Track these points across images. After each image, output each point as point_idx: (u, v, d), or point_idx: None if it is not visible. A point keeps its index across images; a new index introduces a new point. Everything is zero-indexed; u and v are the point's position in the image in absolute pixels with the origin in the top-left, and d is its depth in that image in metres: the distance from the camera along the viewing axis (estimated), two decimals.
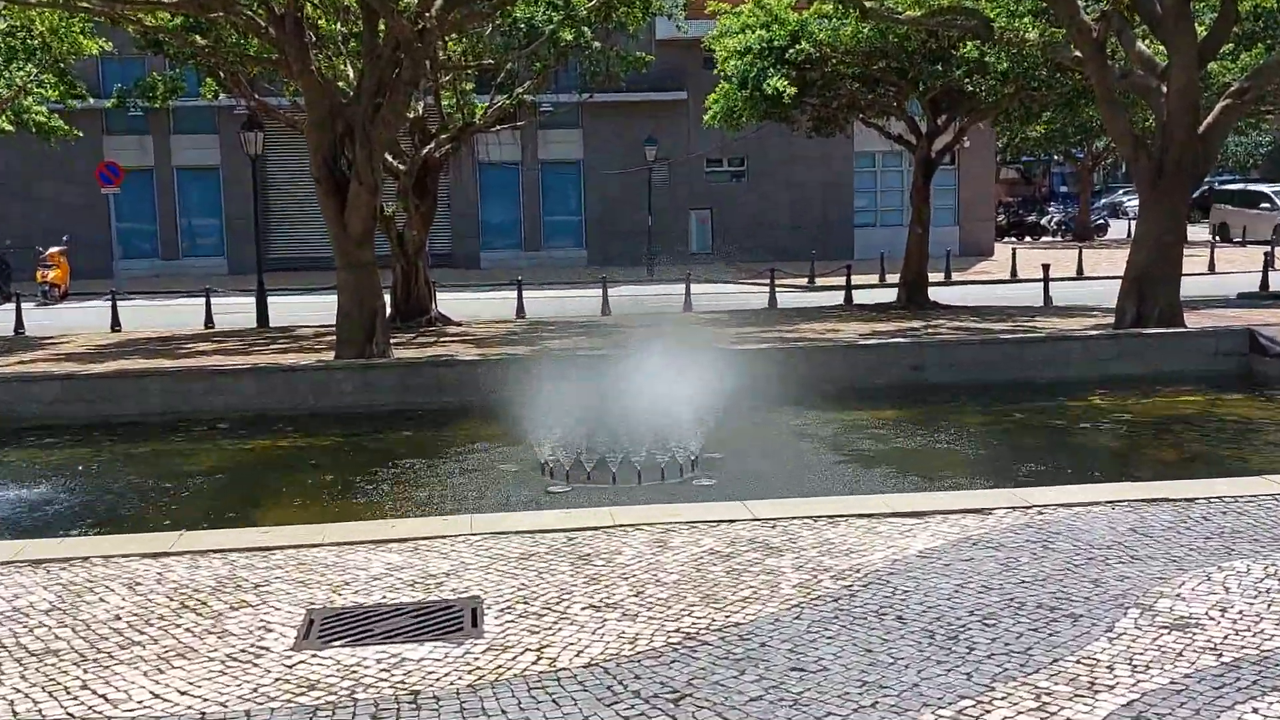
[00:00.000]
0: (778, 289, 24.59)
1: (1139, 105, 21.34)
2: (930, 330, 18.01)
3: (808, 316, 20.80)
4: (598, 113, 34.44)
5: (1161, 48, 16.78)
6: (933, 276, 24.34)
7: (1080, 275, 28.61)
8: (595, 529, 7.13)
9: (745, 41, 20.67)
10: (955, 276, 28.90)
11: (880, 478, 10.39)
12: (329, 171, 15.18)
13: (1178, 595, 5.69)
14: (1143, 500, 7.36)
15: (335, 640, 5.45)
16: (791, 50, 20.09)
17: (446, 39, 19.00)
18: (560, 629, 5.49)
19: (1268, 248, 29.44)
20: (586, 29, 19.44)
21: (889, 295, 23.49)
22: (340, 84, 18.03)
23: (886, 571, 6.19)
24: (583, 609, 5.75)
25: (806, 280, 28.48)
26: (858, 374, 14.73)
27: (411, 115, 20.36)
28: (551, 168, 35.98)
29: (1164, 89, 15.85)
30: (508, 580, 6.22)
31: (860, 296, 24.07)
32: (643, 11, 19.33)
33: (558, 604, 5.83)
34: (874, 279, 27.73)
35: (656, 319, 21.10)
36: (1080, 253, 31.03)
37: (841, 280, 24.72)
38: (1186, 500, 7.35)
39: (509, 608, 5.80)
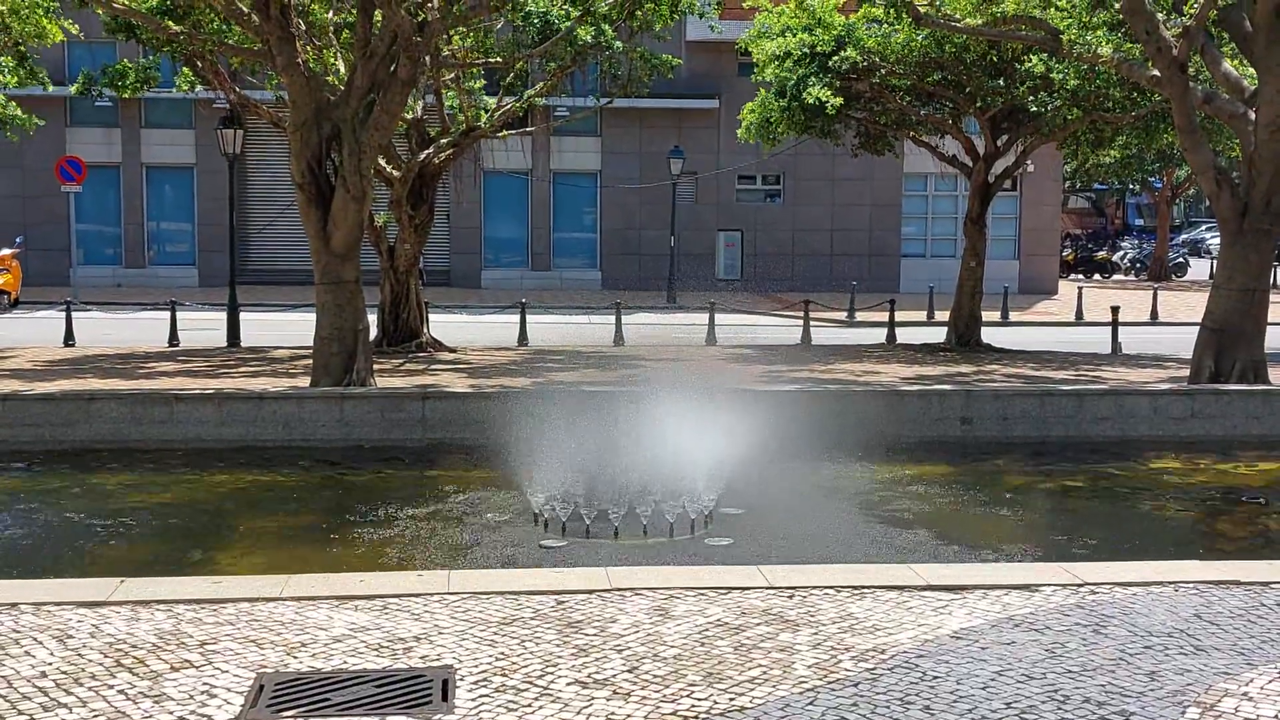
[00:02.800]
0: (813, 323, 24.59)
1: (1225, 133, 21.29)
2: (981, 377, 17.96)
3: (845, 355, 20.79)
4: (618, 120, 34.61)
5: (1251, 70, 16.76)
6: (988, 315, 24.32)
7: (1154, 320, 28.54)
8: (589, 592, 7.10)
9: (785, 45, 20.77)
10: (1013, 316, 28.87)
11: (916, 544, 10.32)
12: (313, 177, 15.26)
13: (1244, 694, 5.62)
14: (1210, 582, 7.29)
15: (286, 710, 5.42)
16: (836, 57, 20.17)
17: (450, 33, 19.14)
18: (541, 707, 5.45)
19: None
20: (607, 27, 19.56)
21: (937, 335, 23.47)
22: (330, 79, 18.17)
23: (915, 654, 6.14)
24: (568, 684, 5.72)
25: (845, 314, 28.49)
26: (898, 424, 14.68)
27: (409, 116, 20.53)
28: (565, 179, 36.12)
29: (1252, 116, 15.81)
30: (486, 648, 6.19)
31: (904, 335, 24.06)
32: (670, 9, 19.45)
33: (540, 678, 5.80)
34: (921, 316, 27.74)
35: (676, 352, 21.15)
36: (1155, 294, 30.95)
37: (884, 316, 24.72)
38: (1261, 584, 7.28)
39: (485, 680, 5.77)
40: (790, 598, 7.05)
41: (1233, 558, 9.49)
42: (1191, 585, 7.28)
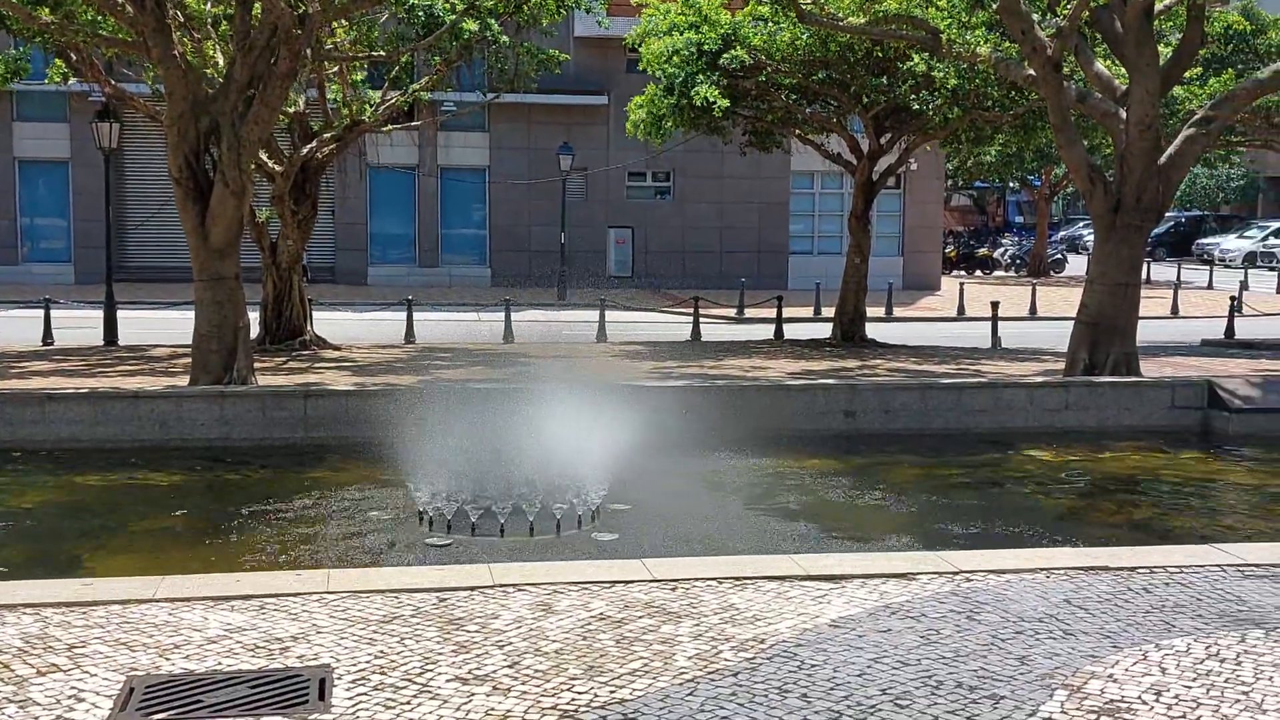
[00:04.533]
0: (703, 319, 24.75)
1: (1099, 131, 21.89)
2: (865, 371, 18.24)
3: (734, 351, 20.96)
4: (506, 116, 34.45)
5: (1123, 70, 17.25)
6: (872, 311, 24.70)
7: (1033, 315, 29.22)
8: (471, 589, 7.07)
9: (673, 43, 20.84)
10: (897, 312, 29.34)
11: (799, 535, 10.45)
12: (191, 172, 14.97)
13: (1110, 676, 5.79)
14: (1079, 568, 7.50)
15: (157, 713, 5.32)
16: (725, 55, 20.30)
17: (333, 26, 18.89)
18: (419, 704, 5.42)
19: (1234, 292, 30.32)
20: (493, 21, 19.47)
21: (824, 330, 23.78)
22: (209, 72, 17.81)
23: (794, 642, 6.22)
24: (448, 681, 5.69)
25: (735, 311, 28.72)
26: (784, 418, 14.84)
27: (291, 110, 20.22)
28: (452, 175, 35.86)
29: (1123, 115, 16.28)
30: (365, 647, 6.13)
31: (793, 330, 24.33)
32: (557, 4, 19.42)
33: (420, 675, 5.76)
34: (808, 312, 28.06)
35: (566, 349, 21.13)
36: (1034, 290, 31.69)
37: (773, 312, 24.97)
38: (1127, 570, 7.50)
39: (363, 678, 5.72)
40: (673, 590, 7.09)
41: (1103, 543, 9.75)
42: (1062, 571, 7.48)
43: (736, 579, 7.30)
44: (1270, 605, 6.82)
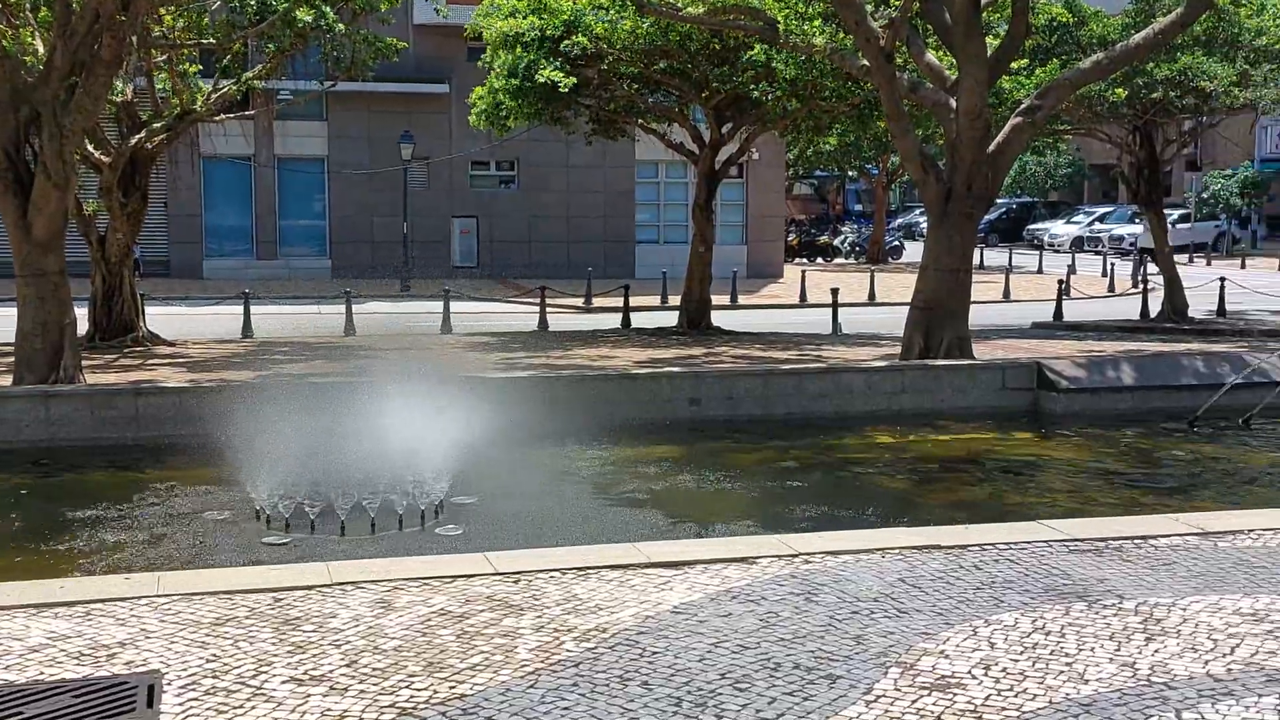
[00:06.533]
0: (550, 309, 24.72)
1: (933, 120, 22.47)
2: (710, 358, 18.43)
3: (582, 341, 20.97)
4: (345, 104, 33.89)
5: (953, 60, 17.71)
6: (717, 299, 24.98)
7: (872, 301, 29.91)
8: (308, 588, 6.93)
9: (514, 28, 20.71)
10: (742, 299, 29.74)
11: (645, 523, 10.51)
12: (10, 163, 14.39)
13: (941, 652, 5.94)
14: (913, 548, 7.68)
15: None
16: (567, 41, 20.25)
17: (160, 12, 18.30)
18: (253, 707, 5.29)
19: (1062, 276, 31.46)
20: (328, 9, 19.09)
21: (671, 319, 23.95)
22: (28, 59, 17.09)
23: (637, 630, 6.24)
24: (283, 683, 5.57)
25: (582, 300, 28.75)
26: (630, 406, 14.90)
27: (118, 99, 19.55)
28: (291, 165, 35.12)
29: (953, 104, 16.73)
30: (196, 650, 5.96)
31: (640, 319, 24.46)
32: None
33: (254, 678, 5.62)
34: (655, 300, 28.27)
35: (410, 341, 20.89)
36: (873, 276, 32.44)
37: (620, 301, 25.06)
38: (959, 547, 7.71)
39: (194, 683, 5.56)
40: (516, 583, 7.05)
41: (938, 522, 10.02)
42: (897, 551, 7.65)
43: (580, 569, 7.29)
44: (1094, 578, 7.08)
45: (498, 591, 6.88)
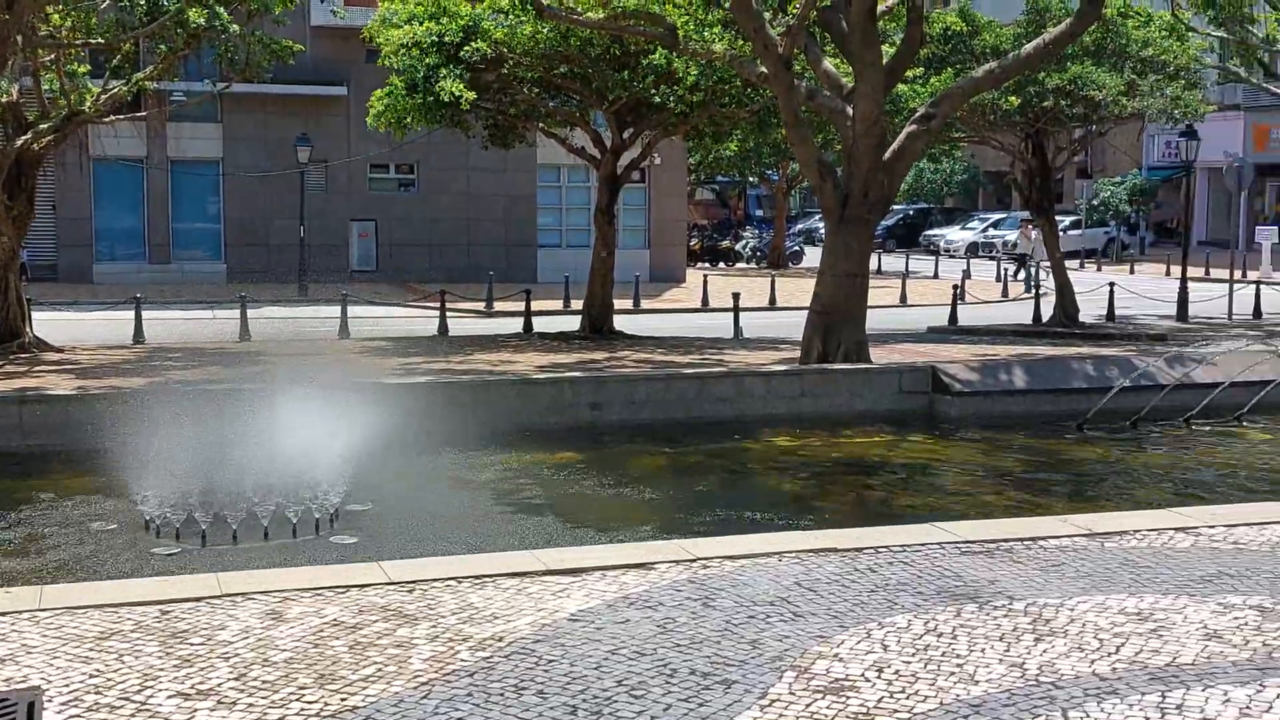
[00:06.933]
0: (450, 314, 24.50)
1: (832, 128, 22.72)
2: (613, 363, 18.41)
3: (482, 346, 20.82)
4: (240, 106, 33.30)
5: (850, 68, 17.91)
6: (620, 303, 24.96)
7: (773, 305, 30.13)
8: (197, 600, 6.78)
9: (412, 34, 20.52)
10: (644, 304, 29.77)
11: (545, 529, 10.47)
12: None
13: (835, 655, 5.99)
14: (810, 551, 7.74)
15: None
16: (467, 48, 20.11)
17: (47, 11, 17.83)
18: None
19: (957, 280, 32.00)
20: (222, 10, 18.74)
21: (573, 323, 23.88)
22: None
23: (533, 638, 6.20)
24: (169, 698, 5.44)
25: (483, 305, 28.56)
26: (531, 412, 14.86)
27: (3, 100, 19.00)
28: (184, 168, 34.44)
29: (850, 112, 16.92)
30: (79, 666, 5.80)
31: (542, 324, 24.36)
32: None
33: (138, 693, 5.48)
34: (558, 305, 28.16)
35: (307, 346, 20.58)
36: (773, 281, 32.67)
37: (521, 306, 24.95)
38: (854, 550, 7.78)
39: (76, 699, 5.41)
40: (410, 592, 6.97)
41: (837, 525, 10.13)
42: (794, 554, 7.70)
43: (476, 577, 7.24)
44: (984, 580, 7.19)
45: (392, 601, 6.80)
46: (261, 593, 6.89)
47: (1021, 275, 37.05)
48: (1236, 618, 6.48)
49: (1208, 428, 15.10)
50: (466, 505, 11.33)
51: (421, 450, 12.75)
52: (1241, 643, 6.11)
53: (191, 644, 6.11)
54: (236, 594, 6.85)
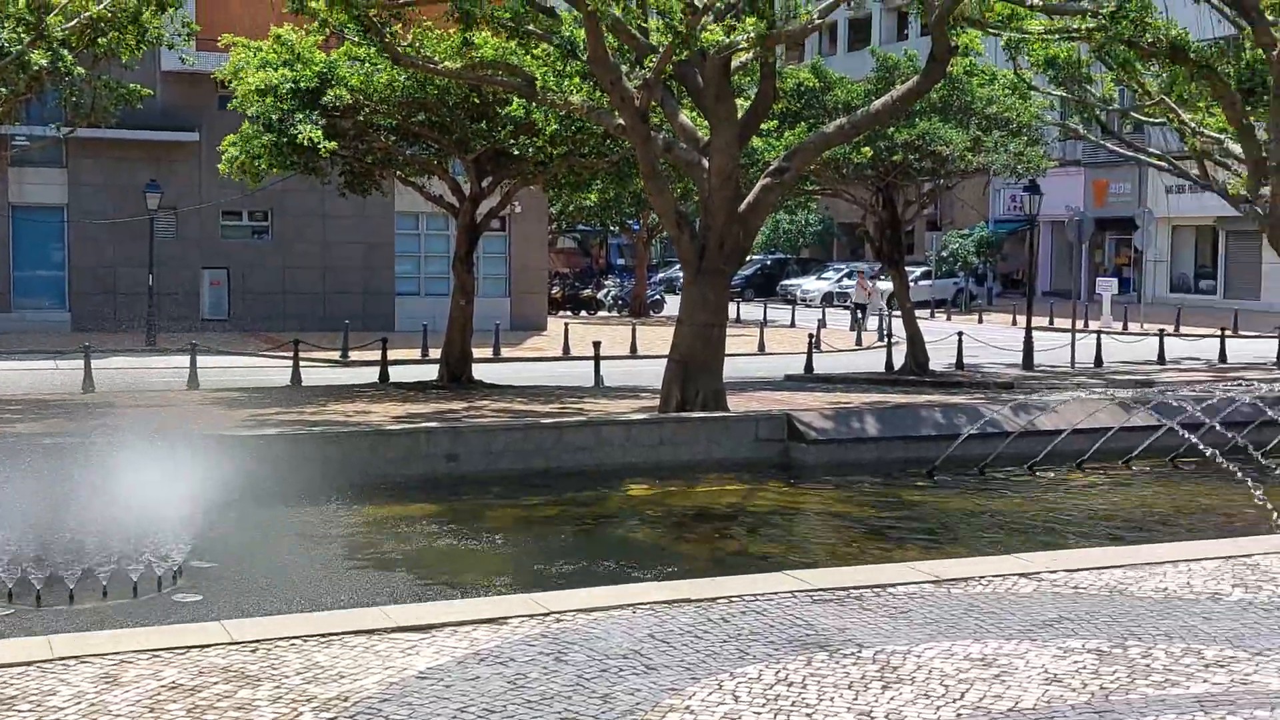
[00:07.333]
0: (305, 364, 24.07)
1: (691, 180, 23.01)
2: (471, 412, 18.27)
3: (337, 396, 20.49)
4: (87, 151, 32.42)
5: (706, 121, 18.18)
6: (480, 352, 24.83)
7: (634, 354, 30.27)
8: (27, 664, 6.49)
9: (268, 79, 20.25)
10: (505, 353, 29.64)
11: (398, 585, 10.29)
12: None
13: (687, 708, 5.97)
14: (664, 602, 7.73)
15: None
16: (327, 95, 19.91)
17: None
18: None
19: (813, 329, 32.56)
20: (66, 53, 18.25)
21: (432, 372, 23.66)
22: None
23: (380, 698, 6.07)
24: None
25: (339, 354, 28.14)
26: (386, 463, 14.63)
27: None
28: (26, 214, 33.33)
29: (706, 164, 17.16)
30: None
31: (400, 373, 24.08)
32: (137, 39, 18.43)
33: None
34: (416, 354, 27.89)
35: (153, 397, 20.01)
36: (634, 330, 32.86)
37: (378, 355, 24.64)
38: (708, 600, 7.80)
39: None
40: (254, 651, 6.77)
41: (694, 575, 10.13)
42: (648, 606, 7.68)
43: (323, 636, 7.06)
44: (835, 628, 7.27)
45: (234, 661, 6.59)
46: (96, 655, 6.62)
47: (871, 325, 37.95)
48: (1076, 661, 6.64)
49: (1051, 474, 15.56)
50: (316, 561, 11.08)
51: (271, 504, 12.45)
52: (1080, 686, 6.27)
53: (19, 711, 5.83)
54: (69, 657, 6.57)
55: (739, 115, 17.57)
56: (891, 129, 23.44)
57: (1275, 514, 11.70)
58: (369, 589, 10.07)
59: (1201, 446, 13.34)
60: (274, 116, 19.95)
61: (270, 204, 34.32)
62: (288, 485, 13.03)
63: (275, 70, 20.36)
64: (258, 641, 6.91)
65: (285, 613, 8.54)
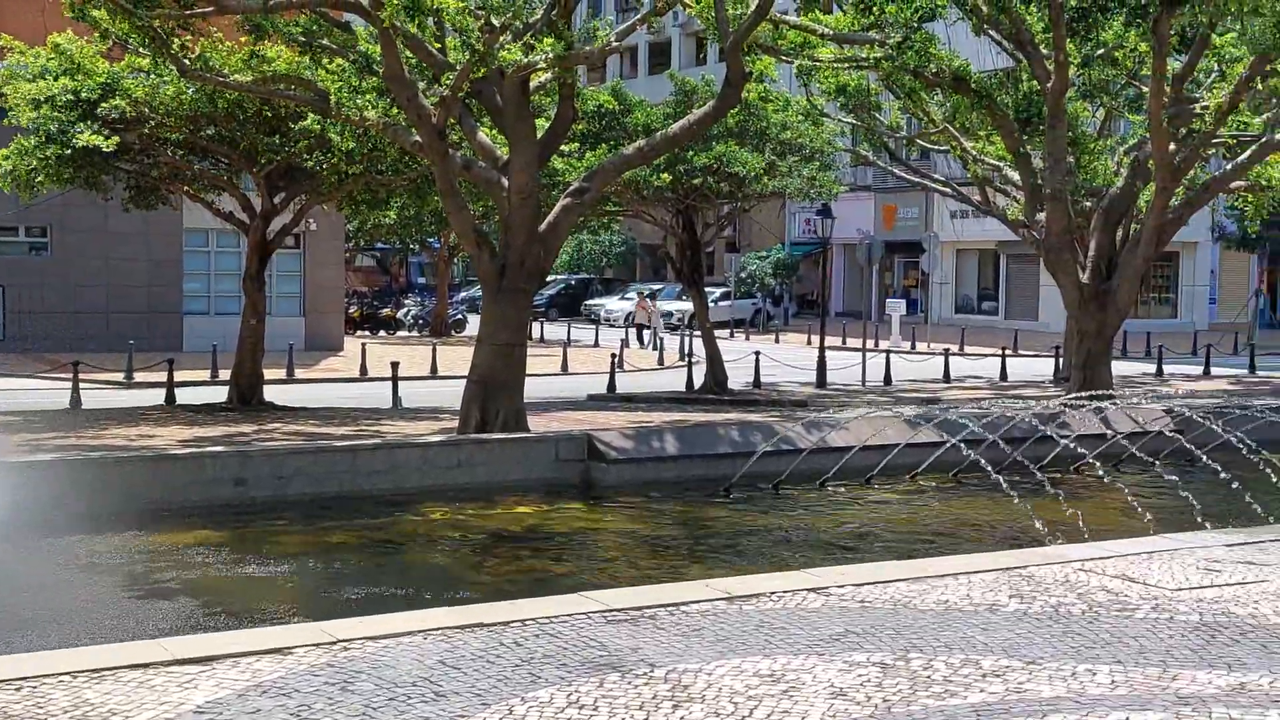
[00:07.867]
0: (86, 385, 23.06)
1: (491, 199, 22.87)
2: (262, 435, 17.74)
3: (120, 419, 19.64)
4: None
5: (505, 139, 18.11)
6: (273, 373, 24.16)
7: (435, 374, 29.91)
8: None
9: (45, 90, 19.36)
10: (299, 373, 28.92)
11: (178, 616, 9.88)
12: None
13: None
14: (456, 627, 7.60)
15: None
16: (105, 105, 19.12)
17: None
18: None
19: (616, 349, 32.75)
20: None
21: (221, 394, 22.90)
22: None
23: None
24: None
25: (123, 375, 27.03)
26: (168, 489, 14.05)
27: None
28: None
29: (505, 183, 17.09)
30: None
31: (187, 395, 23.26)
32: None
33: None
34: (205, 375, 27.01)
35: None
36: (435, 350, 32.48)
37: (164, 376, 23.74)
38: (501, 624, 7.70)
39: None
40: (17, 690, 6.38)
41: (492, 598, 10.00)
42: (439, 632, 7.54)
43: (94, 671, 6.70)
44: (628, 648, 7.26)
45: None
46: None
47: (647, 339, 39.12)
48: (861, 675, 6.79)
49: (842, 489, 15.96)
50: (91, 592, 10.55)
51: (43, 533, 11.84)
52: (865, 699, 6.40)
53: None
54: None
55: (539, 135, 17.56)
56: (690, 152, 23.79)
57: (1042, 525, 12.27)
58: (146, 621, 9.65)
59: (982, 462, 13.88)
60: (53, 127, 19.08)
61: (50, 219, 32.81)
62: (63, 513, 12.43)
63: (56, 79, 19.50)
64: (22, 679, 6.52)
65: (53, 648, 8.09)
